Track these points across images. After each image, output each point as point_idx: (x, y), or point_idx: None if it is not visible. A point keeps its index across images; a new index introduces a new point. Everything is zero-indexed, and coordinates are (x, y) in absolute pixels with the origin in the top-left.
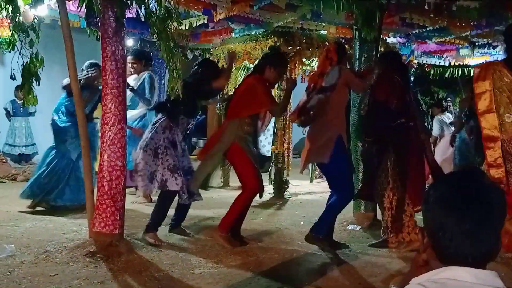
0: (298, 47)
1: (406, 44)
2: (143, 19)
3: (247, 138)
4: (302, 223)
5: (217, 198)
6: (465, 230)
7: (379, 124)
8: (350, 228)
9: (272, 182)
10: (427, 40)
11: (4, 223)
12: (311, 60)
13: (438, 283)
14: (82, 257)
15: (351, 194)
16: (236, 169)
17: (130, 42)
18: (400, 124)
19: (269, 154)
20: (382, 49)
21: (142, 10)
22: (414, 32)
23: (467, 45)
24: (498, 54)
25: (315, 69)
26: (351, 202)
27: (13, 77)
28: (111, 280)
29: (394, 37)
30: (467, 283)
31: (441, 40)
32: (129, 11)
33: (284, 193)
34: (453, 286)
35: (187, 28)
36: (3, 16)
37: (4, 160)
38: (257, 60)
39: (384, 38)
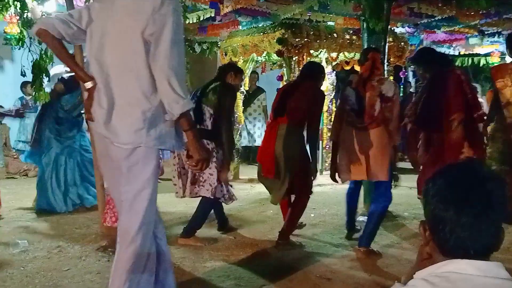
0: (305, 39)
1: (415, 34)
2: None
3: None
4: (312, 215)
5: None
6: (464, 222)
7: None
8: (361, 219)
9: None
10: (435, 29)
11: (17, 218)
12: (319, 52)
13: (441, 277)
14: (94, 251)
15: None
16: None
17: None
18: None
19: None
20: (390, 39)
21: None
22: (422, 22)
23: (476, 34)
24: None
25: (358, 75)
26: (362, 194)
27: (23, 74)
28: None
29: (403, 27)
30: (470, 275)
31: (450, 29)
32: None
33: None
34: (456, 279)
35: (194, 21)
36: (11, 13)
37: (15, 156)
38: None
39: (392, 29)
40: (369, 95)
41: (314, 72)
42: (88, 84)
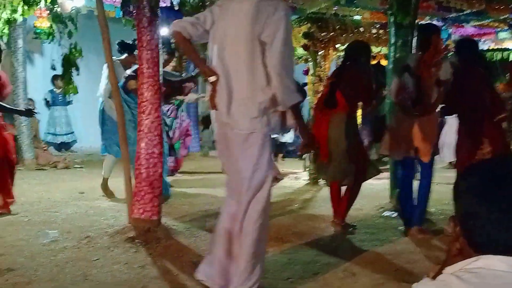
0: (332, 33)
1: (443, 28)
2: (176, 8)
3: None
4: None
5: None
6: (496, 218)
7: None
8: (386, 214)
9: (307, 169)
10: (464, 24)
11: (46, 209)
12: (345, 46)
13: (471, 273)
14: (122, 242)
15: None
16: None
17: (164, 31)
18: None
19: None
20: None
21: None
22: (451, 16)
23: (506, 28)
24: None
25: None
26: (388, 188)
27: (53, 67)
28: (150, 265)
29: (431, 21)
30: (502, 272)
31: (479, 23)
32: (163, 0)
33: (319, 180)
34: (487, 275)
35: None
36: (41, 8)
37: (45, 148)
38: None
39: (420, 23)
40: (428, 83)
41: (357, 51)
42: (212, 78)
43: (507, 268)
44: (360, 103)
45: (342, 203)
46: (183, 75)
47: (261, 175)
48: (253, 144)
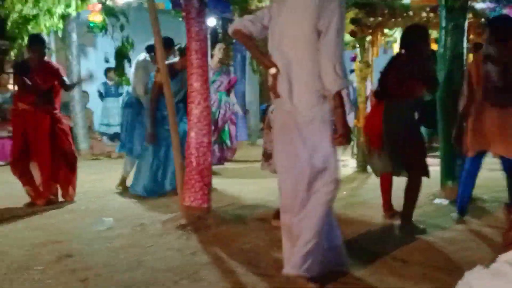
0: (380, 18)
1: (496, 9)
2: None
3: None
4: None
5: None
6: None
7: None
8: (437, 202)
9: (355, 156)
10: None
11: (101, 197)
12: (394, 31)
13: None
14: (174, 229)
15: None
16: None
17: (212, 21)
18: None
19: None
20: (470, 16)
21: None
22: None
23: None
24: None
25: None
26: (439, 175)
27: (107, 60)
28: (201, 252)
29: (483, 2)
30: None
31: None
32: None
33: (367, 167)
34: None
35: (268, 4)
36: (94, 2)
37: (99, 139)
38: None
39: (472, 4)
40: None
41: (412, 37)
42: (272, 70)
43: None
44: (419, 91)
45: (403, 205)
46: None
47: (322, 160)
48: (315, 132)
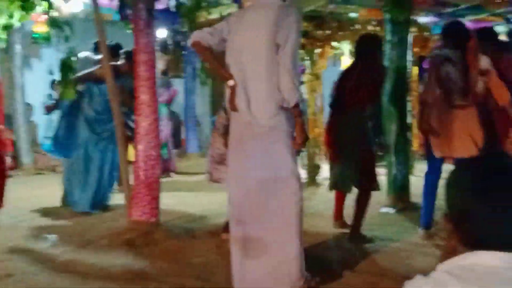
0: (328, 31)
1: (439, 23)
2: (173, 10)
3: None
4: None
5: None
6: (488, 214)
7: None
8: (383, 211)
9: (304, 167)
10: (460, 18)
11: (46, 213)
12: (342, 44)
13: (464, 269)
14: (121, 245)
15: None
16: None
17: (162, 33)
18: None
19: None
20: (413, 29)
21: (172, 1)
22: (447, 11)
23: (502, 22)
24: None
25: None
26: (385, 183)
27: (51, 72)
28: (149, 267)
29: (427, 16)
30: (496, 267)
31: (476, 18)
32: (160, 2)
33: (317, 178)
34: (480, 272)
35: (217, 17)
36: (39, 12)
37: (44, 153)
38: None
39: (416, 19)
40: (474, 72)
41: (364, 46)
42: (231, 82)
43: (502, 264)
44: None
45: (353, 217)
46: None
47: (283, 168)
48: (275, 141)
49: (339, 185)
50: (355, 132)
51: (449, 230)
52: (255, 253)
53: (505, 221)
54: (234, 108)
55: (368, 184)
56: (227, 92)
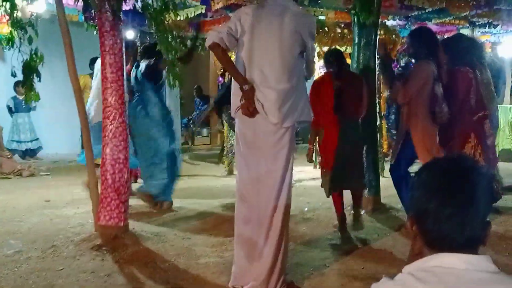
0: None
1: (406, 26)
2: (140, 11)
3: None
4: (306, 209)
5: (222, 187)
6: (447, 214)
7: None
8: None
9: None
10: (426, 21)
11: (11, 219)
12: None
13: (427, 272)
14: (88, 250)
15: None
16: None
17: (130, 34)
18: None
19: None
20: (381, 32)
21: (139, 2)
22: (413, 14)
23: (467, 25)
24: (498, 33)
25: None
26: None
27: (14, 74)
28: (117, 273)
29: (394, 20)
30: (458, 269)
31: (441, 21)
32: (126, 3)
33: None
34: (443, 274)
35: (184, 18)
36: (1, 13)
37: (9, 156)
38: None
39: (383, 22)
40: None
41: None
42: (246, 87)
43: (464, 266)
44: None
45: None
46: None
47: (289, 173)
48: (285, 144)
49: (337, 187)
50: (355, 137)
51: (414, 232)
52: (258, 253)
53: (462, 221)
54: (251, 113)
55: (361, 186)
56: (238, 96)
